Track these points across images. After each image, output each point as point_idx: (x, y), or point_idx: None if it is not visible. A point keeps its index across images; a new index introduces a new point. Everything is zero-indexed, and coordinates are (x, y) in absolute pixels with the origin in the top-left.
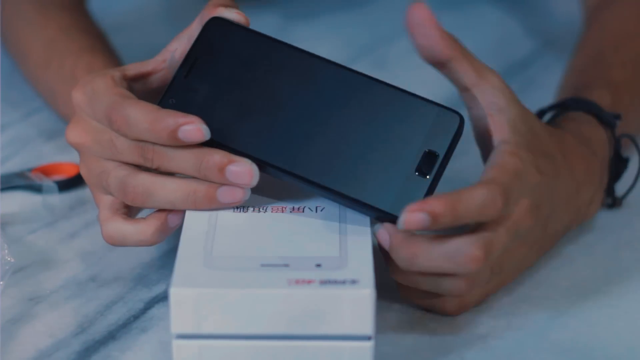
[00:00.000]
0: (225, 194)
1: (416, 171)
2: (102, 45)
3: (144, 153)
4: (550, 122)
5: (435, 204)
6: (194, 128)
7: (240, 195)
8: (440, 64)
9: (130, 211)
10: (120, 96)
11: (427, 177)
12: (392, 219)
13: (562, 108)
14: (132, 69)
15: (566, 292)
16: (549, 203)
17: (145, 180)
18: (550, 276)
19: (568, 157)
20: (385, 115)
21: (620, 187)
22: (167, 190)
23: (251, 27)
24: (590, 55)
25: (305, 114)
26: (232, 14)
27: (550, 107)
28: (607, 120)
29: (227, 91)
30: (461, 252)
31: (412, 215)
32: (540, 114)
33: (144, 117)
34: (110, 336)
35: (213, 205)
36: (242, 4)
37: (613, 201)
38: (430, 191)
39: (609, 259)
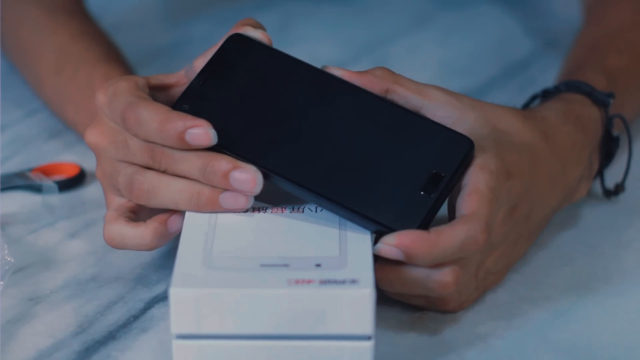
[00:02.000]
0: (227, 200)
1: (422, 190)
2: (116, 55)
3: (154, 154)
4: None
5: (411, 243)
6: (202, 132)
7: (243, 202)
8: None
9: (136, 217)
10: (137, 97)
11: (432, 195)
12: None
13: (556, 92)
14: (156, 79)
15: (566, 292)
16: (527, 200)
17: (151, 178)
18: (550, 276)
19: (550, 138)
20: (395, 134)
21: (618, 176)
22: (171, 189)
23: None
24: (585, 45)
25: (314, 129)
26: (257, 34)
27: (544, 92)
28: (600, 98)
29: (240, 102)
30: (430, 278)
31: (386, 248)
32: (533, 99)
33: (155, 117)
34: (110, 336)
35: (215, 209)
36: (242, 4)
37: (614, 190)
38: (433, 210)
39: (609, 259)
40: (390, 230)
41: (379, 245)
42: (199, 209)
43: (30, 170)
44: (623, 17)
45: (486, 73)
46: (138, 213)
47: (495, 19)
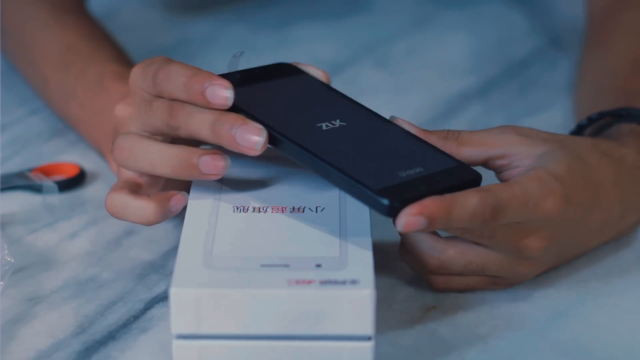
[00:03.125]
0: (206, 163)
1: (418, 179)
2: (124, 57)
3: (172, 110)
4: (605, 131)
5: (432, 207)
6: (222, 90)
7: (221, 165)
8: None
9: (141, 192)
10: (170, 59)
11: (423, 188)
12: (378, 205)
13: (617, 116)
14: None
15: (566, 292)
16: (569, 234)
17: (132, 138)
18: (550, 276)
19: (621, 183)
20: (405, 149)
21: None
22: (150, 150)
23: (250, 27)
24: (628, 60)
25: (329, 129)
26: (317, 72)
27: (600, 115)
28: None
29: (267, 103)
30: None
31: (411, 219)
32: (589, 121)
33: (184, 71)
34: (110, 336)
35: (193, 172)
36: (242, 4)
37: None
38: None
39: (609, 259)
40: (377, 200)
41: (400, 221)
42: (174, 172)
43: (30, 170)
44: None
45: (486, 73)
46: (144, 189)
47: (495, 19)
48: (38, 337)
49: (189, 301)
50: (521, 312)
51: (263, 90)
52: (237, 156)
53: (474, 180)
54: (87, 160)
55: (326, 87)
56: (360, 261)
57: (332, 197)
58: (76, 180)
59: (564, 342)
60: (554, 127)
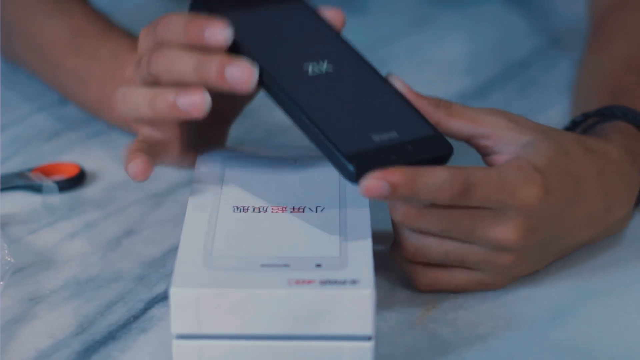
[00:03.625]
0: (181, 100)
1: (391, 146)
2: (133, 35)
3: (151, 58)
4: (591, 130)
5: (396, 174)
6: (220, 31)
7: (196, 99)
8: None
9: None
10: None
11: (392, 157)
12: (345, 170)
13: (601, 115)
14: None
15: (566, 292)
16: (552, 227)
17: (125, 87)
18: (550, 276)
19: (605, 176)
20: (388, 111)
21: None
22: (136, 93)
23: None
24: (620, 60)
25: (314, 75)
26: (330, 12)
27: (585, 116)
28: None
29: (257, 35)
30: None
31: (374, 182)
32: (574, 124)
33: (183, 17)
34: (110, 336)
35: (173, 112)
36: None
37: None
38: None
39: (609, 259)
40: (345, 160)
41: (363, 184)
42: (155, 112)
43: (30, 170)
44: None
45: (486, 73)
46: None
47: (495, 19)
48: (38, 337)
49: (189, 301)
50: (521, 312)
51: (257, 18)
52: (236, 156)
53: (446, 154)
54: (87, 160)
55: (325, 25)
56: (360, 261)
57: (332, 197)
58: (76, 180)
59: (564, 342)
60: (553, 127)
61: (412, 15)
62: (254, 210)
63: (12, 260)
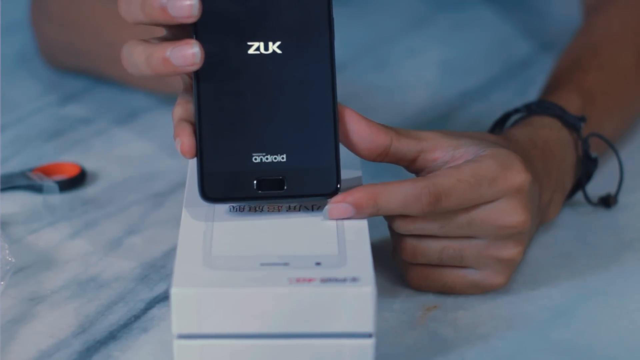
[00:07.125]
0: (175, 54)
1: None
2: None
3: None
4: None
5: (356, 194)
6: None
7: (188, 53)
8: (383, 154)
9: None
10: None
11: (261, 191)
12: (200, 190)
13: (528, 111)
14: None
15: (566, 292)
16: (535, 204)
17: (125, 45)
18: (550, 276)
19: (532, 161)
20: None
21: (612, 187)
22: (136, 51)
23: None
24: (569, 59)
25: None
26: None
27: (516, 110)
28: (571, 122)
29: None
30: None
31: (337, 206)
32: (506, 116)
33: None
34: (111, 336)
35: (168, 68)
36: None
37: (605, 201)
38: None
39: (609, 259)
40: (201, 181)
41: (326, 209)
42: (152, 68)
43: (31, 170)
44: (611, 25)
45: (486, 73)
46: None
47: (495, 19)
48: (39, 337)
49: (189, 301)
50: (522, 312)
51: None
52: None
53: (325, 194)
54: (87, 160)
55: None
56: (359, 259)
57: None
58: (76, 180)
59: (564, 342)
60: None
61: (412, 15)
62: (250, 210)
63: (13, 260)
